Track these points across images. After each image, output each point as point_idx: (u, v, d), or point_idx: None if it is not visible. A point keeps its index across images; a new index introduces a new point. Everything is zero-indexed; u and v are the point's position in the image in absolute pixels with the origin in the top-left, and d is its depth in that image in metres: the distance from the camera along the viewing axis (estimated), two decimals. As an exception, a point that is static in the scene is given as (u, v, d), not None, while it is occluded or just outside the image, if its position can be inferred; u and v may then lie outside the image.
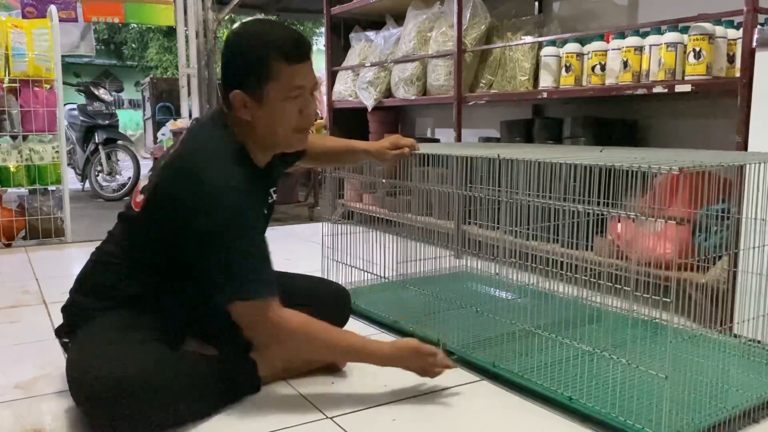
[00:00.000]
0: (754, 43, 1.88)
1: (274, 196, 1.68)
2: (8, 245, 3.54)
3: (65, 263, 3.19)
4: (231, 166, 1.44)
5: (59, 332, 1.59)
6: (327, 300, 1.83)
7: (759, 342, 1.73)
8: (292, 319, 1.42)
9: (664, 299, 1.31)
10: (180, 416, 1.41)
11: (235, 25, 1.53)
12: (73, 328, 1.53)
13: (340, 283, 2.27)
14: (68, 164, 4.95)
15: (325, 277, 1.94)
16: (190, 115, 6.54)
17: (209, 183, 1.38)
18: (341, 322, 1.85)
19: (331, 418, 1.46)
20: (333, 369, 1.73)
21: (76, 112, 5.91)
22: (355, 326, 2.11)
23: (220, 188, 1.38)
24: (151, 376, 1.34)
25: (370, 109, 3.98)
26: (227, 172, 1.42)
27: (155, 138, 8.03)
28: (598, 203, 1.56)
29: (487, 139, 3.45)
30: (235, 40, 1.46)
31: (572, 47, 2.71)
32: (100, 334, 1.43)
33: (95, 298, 1.52)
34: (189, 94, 6.54)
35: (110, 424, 1.32)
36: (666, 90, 2.28)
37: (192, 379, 1.45)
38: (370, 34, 4.19)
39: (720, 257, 1.93)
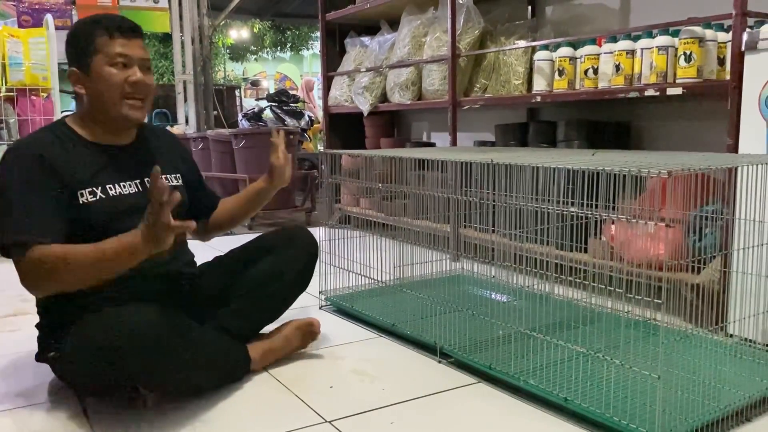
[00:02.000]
0: (743, 46, 1.90)
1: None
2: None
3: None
4: (34, 136, 1.62)
5: (42, 354, 1.64)
6: (299, 238, 1.88)
7: (752, 341, 1.75)
8: (44, 253, 1.42)
9: (656, 300, 1.33)
10: (187, 381, 1.52)
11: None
12: (56, 342, 1.58)
13: (338, 287, 2.29)
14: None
15: (311, 267, 1.93)
16: (187, 121, 6.56)
17: (4, 153, 1.57)
18: (314, 254, 1.90)
19: (329, 422, 1.48)
20: (308, 341, 1.87)
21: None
22: (353, 330, 2.13)
23: (7, 152, 1.55)
24: (165, 331, 1.41)
25: (365, 114, 4.01)
26: (23, 140, 1.64)
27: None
28: (591, 206, 1.58)
29: (483, 143, 3.47)
30: (72, 29, 1.64)
31: (565, 51, 2.74)
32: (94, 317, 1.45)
33: (60, 319, 1.57)
34: (185, 100, 6.56)
35: (114, 389, 1.47)
36: (658, 93, 2.30)
37: (201, 346, 1.53)
38: (365, 39, 4.21)
39: (713, 258, 1.96)
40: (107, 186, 1.58)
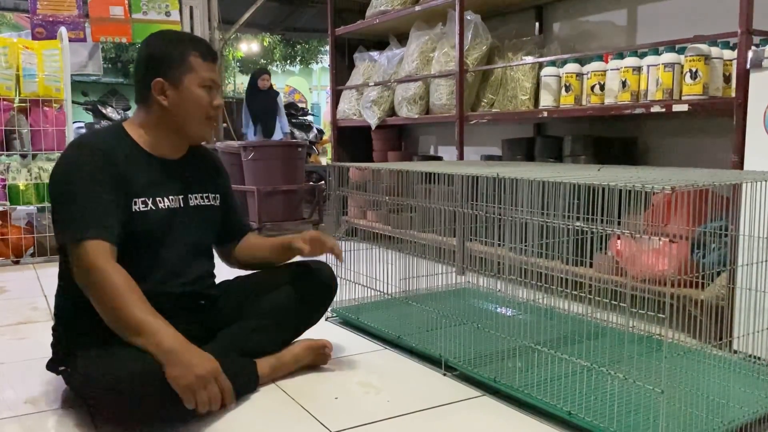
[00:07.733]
0: (748, 64, 1.92)
1: (197, 201, 1.75)
2: (17, 262, 3.58)
3: (73, 280, 3.22)
4: (97, 135, 1.68)
5: (53, 365, 1.66)
6: (323, 271, 1.94)
7: (758, 358, 1.75)
8: (106, 269, 1.44)
9: (659, 315, 1.33)
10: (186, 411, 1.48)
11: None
12: (67, 357, 1.60)
13: (344, 299, 2.31)
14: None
15: (330, 298, 1.99)
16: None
17: (67, 147, 1.63)
18: (335, 288, 1.98)
19: (334, 433, 1.49)
20: (318, 363, 1.87)
21: (84, 131, 5.99)
22: (359, 342, 2.14)
23: (70, 146, 1.61)
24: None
25: (373, 128, 4.04)
26: (86, 136, 1.70)
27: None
28: (595, 220, 1.59)
29: (489, 157, 3.49)
30: (157, 41, 1.68)
31: (572, 67, 2.76)
32: (105, 348, 1.47)
33: (74, 330, 1.59)
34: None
35: (127, 417, 1.46)
36: (664, 109, 2.32)
37: None
38: (374, 54, 4.25)
39: (719, 274, 1.96)
40: (157, 198, 1.64)
